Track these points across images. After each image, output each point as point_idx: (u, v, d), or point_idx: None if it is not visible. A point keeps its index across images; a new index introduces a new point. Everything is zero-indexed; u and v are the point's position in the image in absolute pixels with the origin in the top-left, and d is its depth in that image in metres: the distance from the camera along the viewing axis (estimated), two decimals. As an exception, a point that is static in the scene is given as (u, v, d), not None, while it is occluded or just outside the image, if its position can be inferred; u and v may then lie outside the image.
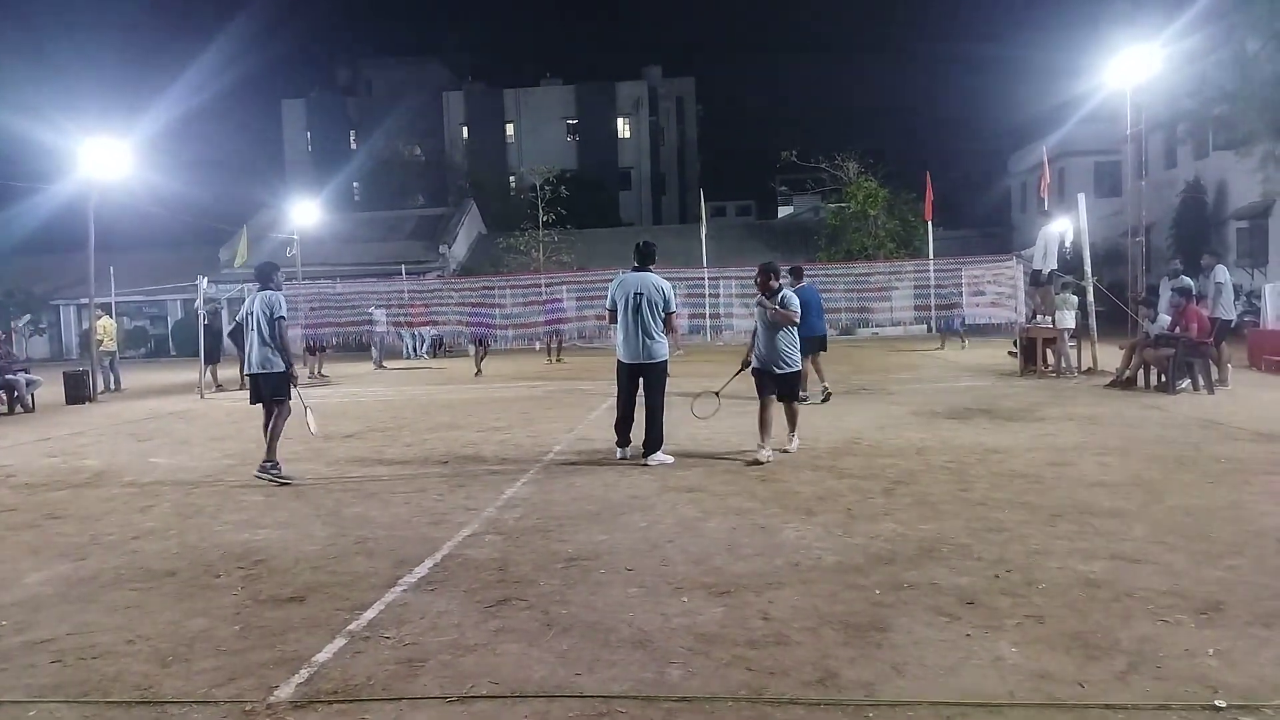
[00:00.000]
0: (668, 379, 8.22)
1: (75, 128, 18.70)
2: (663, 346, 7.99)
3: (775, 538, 5.35)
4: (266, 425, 7.75)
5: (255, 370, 7.68)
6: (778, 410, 8.13)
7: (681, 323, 25.12)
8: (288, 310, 7.78)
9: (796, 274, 11.46)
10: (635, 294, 7.90)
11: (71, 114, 27.44)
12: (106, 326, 18.38)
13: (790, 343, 7.98)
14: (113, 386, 18.07)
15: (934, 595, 4.25)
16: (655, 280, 8.00)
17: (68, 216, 25.02)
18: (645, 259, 8.20)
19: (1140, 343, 12.56)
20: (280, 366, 7.64)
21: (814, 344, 11.35)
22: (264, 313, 7.62)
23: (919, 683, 3.33)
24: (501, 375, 18.26)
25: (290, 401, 7.78)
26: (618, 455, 8.23)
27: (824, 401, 11.68)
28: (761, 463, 7.66)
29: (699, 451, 8.48)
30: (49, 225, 30.62)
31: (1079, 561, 4.69)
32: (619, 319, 8.00)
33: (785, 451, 8.11)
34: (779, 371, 7.95)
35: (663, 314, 7.94)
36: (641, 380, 8.07)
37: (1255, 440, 8.15)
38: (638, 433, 8.15)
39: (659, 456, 7.94)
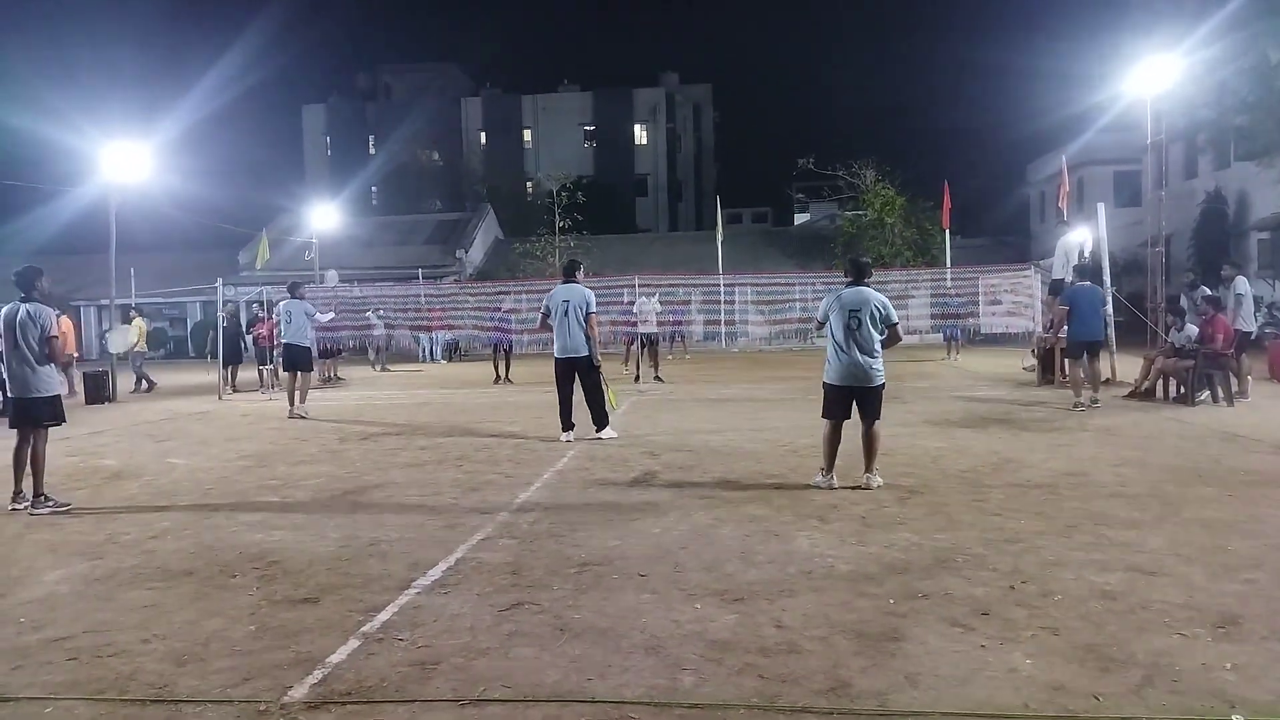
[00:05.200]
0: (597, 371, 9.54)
1: (97, 131, 18.92)
2: (584, 344, 9.41)
3: (788, 545, 5.34)
4: (19, 454, 6.87)
5: (24, 394, 6.84)
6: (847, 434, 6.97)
7: (695, 329, 25.23)
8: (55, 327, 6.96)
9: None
10: (564, 302, 9.40)
11: (93, 118, 27.70)
12: (141, 328, 18.74)
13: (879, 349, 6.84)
14: (144, 387, 18.36)
15: (948, 605, 4.23)
16: (580, 289, 9.54)
17: (88, 219, 25.25)
18: (570, 273, 9.78)
19: (1160, 353, 12.46)
20: (55, 389, 6.94)
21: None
22: (33, 330, 6.77)
23: (932, 693, 3.31)
24: (514, 379, 18.24)
25: (51, 429, 7.03)
26: (564, 439, 9.56)
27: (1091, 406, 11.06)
28: (823, 488, 6.80)
29: (711, 457, 8.47)
30: (70, 227, 30.94)
31: (1095, 573, 4.65)
32: (554, 323, 9.44)
33: (868, 488, 6.74)
34: (871, 386, 6.76)
35: (585, 317, 9.36)
36: (576, 373, 9.48)
37: (1275, 453, 8.07)
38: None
39: (606, 432, 9.56)
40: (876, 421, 6.82)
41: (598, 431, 9.60)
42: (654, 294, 18.79)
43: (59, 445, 10.57)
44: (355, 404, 14.77)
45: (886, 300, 6.79)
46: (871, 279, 7.01)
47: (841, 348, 6.72)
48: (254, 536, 5.88)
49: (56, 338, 6.95)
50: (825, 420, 6.90)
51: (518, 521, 6.11)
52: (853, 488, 6.74)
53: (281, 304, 13.02)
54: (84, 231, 29.39)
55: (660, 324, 18.77)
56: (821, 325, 6.97)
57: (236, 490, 7.54)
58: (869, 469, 6.84)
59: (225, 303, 17.86)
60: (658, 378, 16.99)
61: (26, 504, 6.84)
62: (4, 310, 6.98)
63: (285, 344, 12.78)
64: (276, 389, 17.13)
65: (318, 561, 5.24)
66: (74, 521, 6.50)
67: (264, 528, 6.11)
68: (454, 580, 4.82)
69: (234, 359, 17.77)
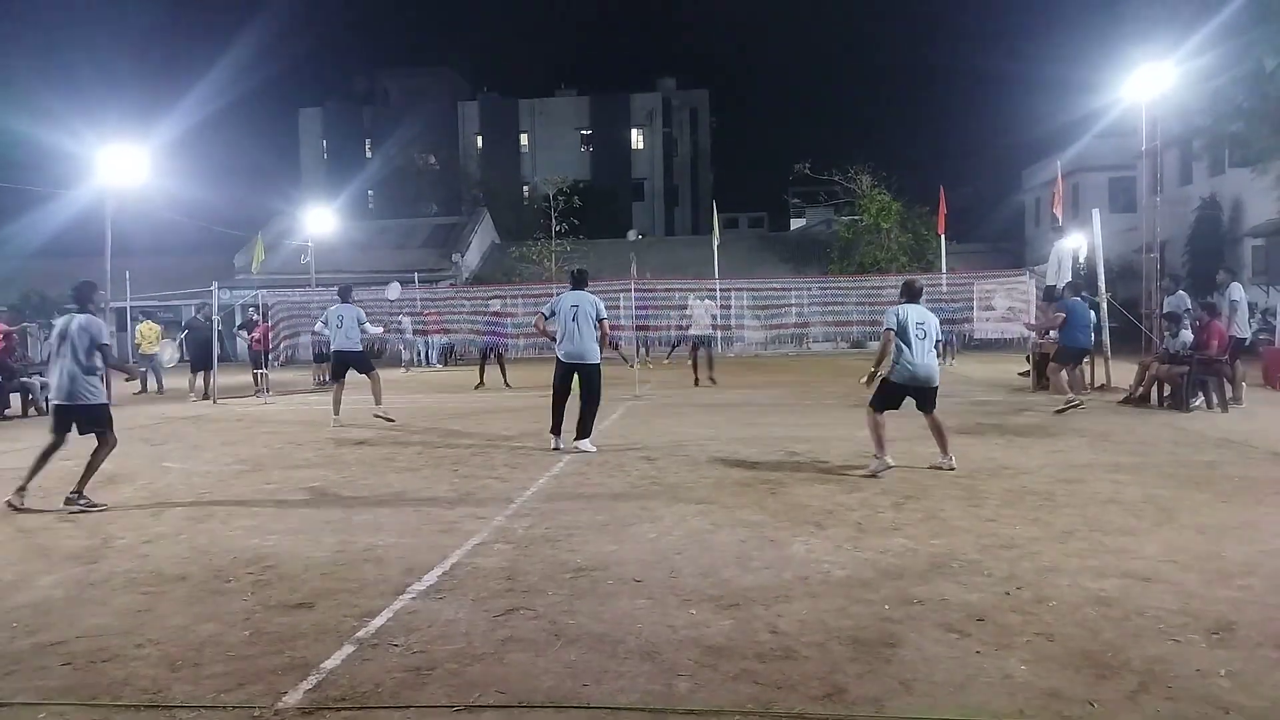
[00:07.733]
0: (601, 380, 9.41)
1: (93, 134, 18.93)
2: (595, 351, 9.30)
3: (784, 551, 5.34)
4: (46, 453, 7.22)
5: (67, 401, 7.09)
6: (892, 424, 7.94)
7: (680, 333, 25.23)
8: (107, 337, 7.24)
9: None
10: (573, 306, 9.30)
11: (89, 120, 27.69)
12: (145, 331, 18.89)
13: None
14: (154, 388, 18.47)
15: (943, 611, 4.23)
16: (590, 297, 9.44)
17: (84, 221, 25.24)
18: (580, 282, 9.64)
19: (1154, 359, 12.48)
20: (100, 398, 7.17)
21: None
22: (83, 340, 7.03)
23: (928, 699, 3.31)
24: (511, 384, 18.23)
25: (112, 433, 7.28)
26: (552, 444, 9.37)
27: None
28: (890, 467, 7.68)
29: (707, 462, 8.47)
30: (66, 230, 30.86)
31: (1090, 579, 4.66)
32: (560, 326, 9.28)
33: (951, 469, 7.79)
34: (935, 385, 7.89)
35: (596, 323, 9.29)
36: (577, 378, 9.33)
37: (1269, 459, 8.09)
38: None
39: (585, 444, 9.21)
40: (935, 410, 7.89)
41: (576, 439, 9.23)
42: (706, 296, 18.72)
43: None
44: (350, 408, 14.72)
45: (938, 320, 8.06)
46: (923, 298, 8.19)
47: (913, 354, 7.70)
48: (249, 541, 5.86)
49: (108, 344, 7.20)
50: (874, 411, 7.79)
51: (513, 526, 6.10)
52: (932, 467, 7.82)
53: (332, 308, 12.61)
54: (80, 235, 29.31)
55: (715, 327, 18.55)
56: (894, 333, 7.82)
57: (231, 494, 7.52)
58: (945, 452, 7.88)
59: (202, 305, 17.94)
60: (711, 379, 17.03)
61: (25, 499, 7.03)
62: (59, 320, 7.29)
63: (335, 350, 12.37)
64: (270, 393, 17.10)
65: (313, 566, 5.23)
66: (68, 525, 6.48)
67: (259, 532, 6.10)
68: (449, 585, 4.81)
69: (204, 364, 17.50)
